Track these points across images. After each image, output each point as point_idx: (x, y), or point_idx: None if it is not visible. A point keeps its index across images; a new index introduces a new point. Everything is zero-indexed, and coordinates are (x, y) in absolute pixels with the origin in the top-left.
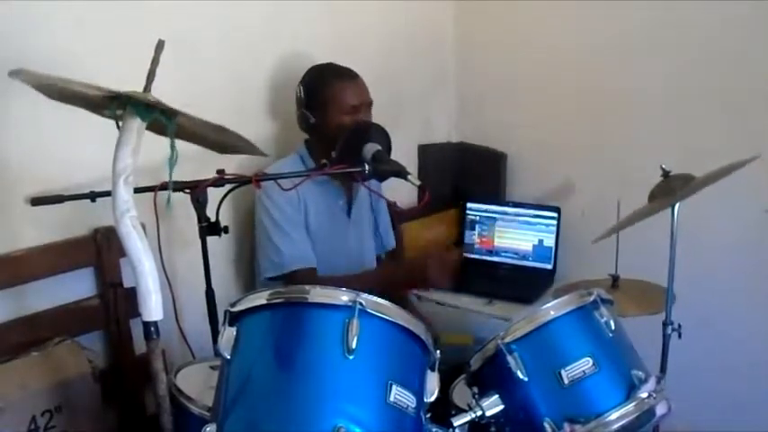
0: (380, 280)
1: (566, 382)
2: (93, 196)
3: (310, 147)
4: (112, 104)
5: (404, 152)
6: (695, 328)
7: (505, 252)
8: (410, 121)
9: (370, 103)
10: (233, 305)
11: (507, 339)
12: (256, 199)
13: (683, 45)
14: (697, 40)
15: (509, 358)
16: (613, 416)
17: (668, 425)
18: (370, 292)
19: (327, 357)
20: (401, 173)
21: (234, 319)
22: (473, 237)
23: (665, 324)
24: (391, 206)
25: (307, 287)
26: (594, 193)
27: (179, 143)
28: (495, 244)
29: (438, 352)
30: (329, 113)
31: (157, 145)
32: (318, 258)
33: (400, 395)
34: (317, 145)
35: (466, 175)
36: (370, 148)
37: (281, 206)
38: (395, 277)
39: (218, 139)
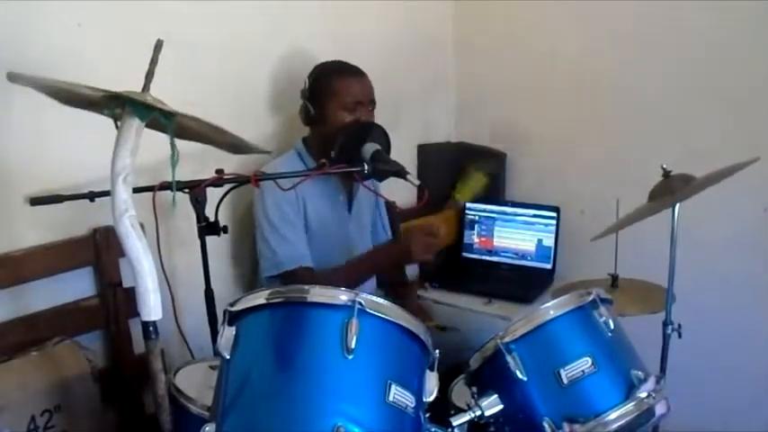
0: (368, 265)
1: (565, 381)
2: (92, 196)
3: (308, 144)
4: (111, 104)
5: (403, 152)
6: (695, 328)
7: (505, 252)
8: (410, 121)
9: (372, 103)
10: (232, 305)
11: (506, 339)
12: (255, 197)
13: (683, 45)
14: (697, 40)
15: (508, 358)
16: (612, 415)
17: (668, 425)
18: (360, 279)
19: (326, 357)
20: (400, 173)
21: (233, 318)
22: (472, 236)
23: (665, 324)
24: (391, 206)
25: (306, 287)
26: (594, 192)
27: (178, 142)
28: (495, 244)
29: (437, 352)
30: (330, 107)
31: (156, 144)
32: (321, 253)
33: (399, 395)
34: (315, 141)
35: None
36: (370, 148)
37: (278, 205)
38: (380, 258)
39: (223, 140)
